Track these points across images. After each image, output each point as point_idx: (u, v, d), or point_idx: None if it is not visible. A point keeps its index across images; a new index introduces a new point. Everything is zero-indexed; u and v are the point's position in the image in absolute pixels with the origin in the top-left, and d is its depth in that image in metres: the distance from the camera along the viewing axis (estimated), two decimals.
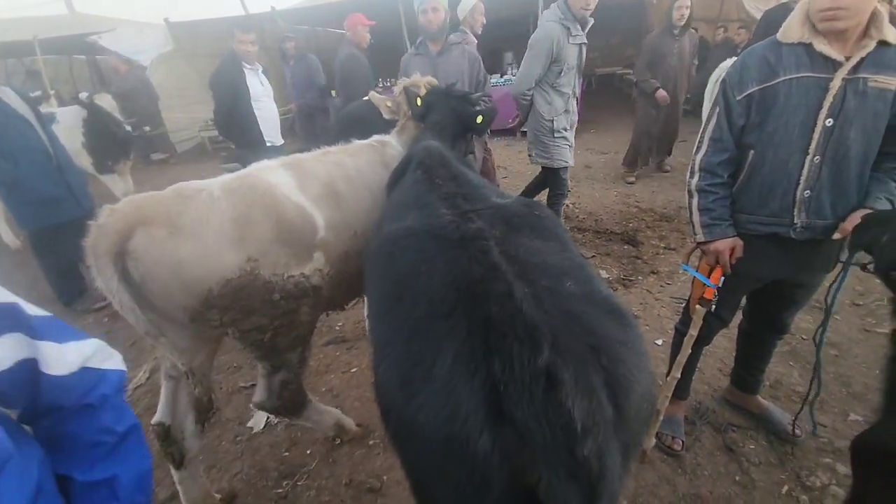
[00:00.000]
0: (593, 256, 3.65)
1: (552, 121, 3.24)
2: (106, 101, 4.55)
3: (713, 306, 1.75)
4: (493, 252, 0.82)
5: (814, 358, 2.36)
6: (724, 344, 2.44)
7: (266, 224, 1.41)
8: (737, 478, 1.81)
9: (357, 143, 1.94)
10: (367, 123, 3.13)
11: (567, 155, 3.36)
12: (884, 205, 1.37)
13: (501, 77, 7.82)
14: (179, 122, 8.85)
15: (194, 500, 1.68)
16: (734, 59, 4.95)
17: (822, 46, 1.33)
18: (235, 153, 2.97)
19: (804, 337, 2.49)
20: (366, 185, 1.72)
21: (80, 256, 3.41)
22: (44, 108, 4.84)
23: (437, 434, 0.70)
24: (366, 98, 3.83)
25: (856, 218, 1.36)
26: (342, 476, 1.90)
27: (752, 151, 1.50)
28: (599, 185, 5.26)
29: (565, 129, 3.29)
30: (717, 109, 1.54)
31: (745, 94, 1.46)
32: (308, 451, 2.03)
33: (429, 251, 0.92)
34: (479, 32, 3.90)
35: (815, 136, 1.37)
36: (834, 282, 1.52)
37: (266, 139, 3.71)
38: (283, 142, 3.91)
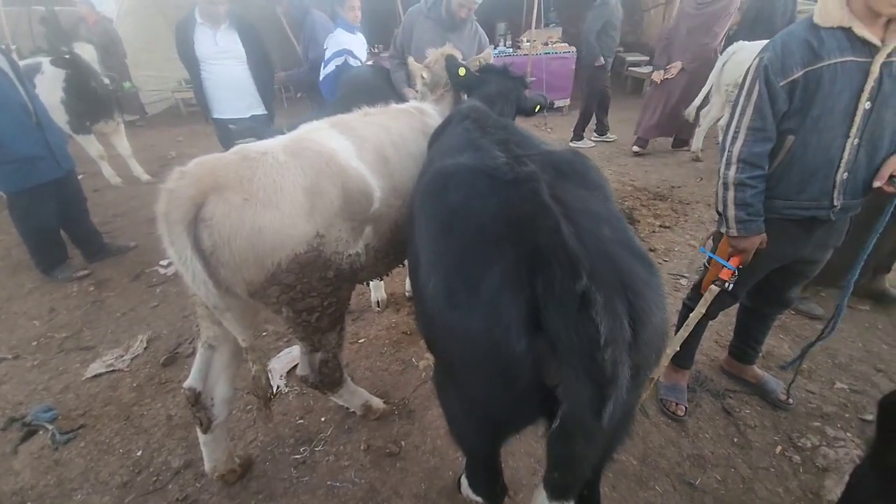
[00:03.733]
0: None
1: None
2: (87, 52, 4.08)
3: (730, 286, 1.77)
4: (543, 193, 0.89)
5: (802, 331, 2.54)
6: (720, 317, 2.55)
7: (333, 194, 1.33)
8: (735, 439, 1.94)
9: (395, 106, 1.86)
10: (371, 88, 3.02)
11: None
12: None
13: (495, 49, 7.62)
14: (149, 82, 8.27)
15: (217, 461, 1.69)
16: (740, 42, 4.88)
17: (861, 30, 1.34)
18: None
19: (793, 311, 2.64)
20: (409, 152, 1.66)
21: (60, 221, 3.22)
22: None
23: (480, 337, 0.85)
24: (370, 63, 3.69)
25: (892, 163, 1.44)
26: (360, 442, 1.92)
27: (790, 137, 1.48)
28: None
29: None
30: (756, 97, 1.48)
31: (790, 79, 1.42)
32: (323, 419, 2.04)
33: (482, 187, 0.99)
34: None
35: (857, 119, 1.40)
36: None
37: (215, 112, 3.22)
38: (256, 113, 3.31)
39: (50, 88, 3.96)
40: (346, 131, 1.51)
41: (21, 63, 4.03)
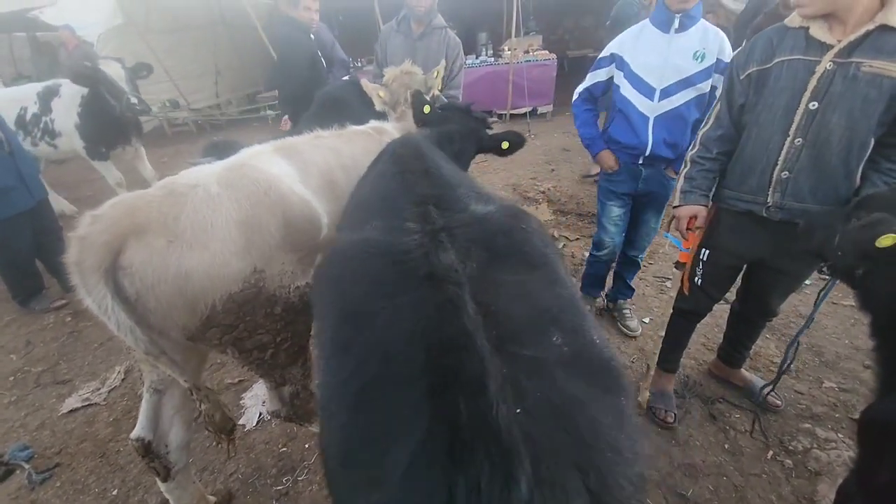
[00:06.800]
0: (577, 239, 3.70)
1: None
2: (114, 70, 3.80)
3: (699, 280, 1.82)
4: (466, 308, 0.67)
5: (788, 330, 2.53)
6: (707, 320, 2.53)
7: (272, 226, 1.24)
8: (725, 446, 1.91)
9: (352, 128, 1.82)
10: (346, 105, 3.01)
11: None
12: None
13: (477, 58, 7.68)
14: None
15: None
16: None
17: (816, 30, 1.34)
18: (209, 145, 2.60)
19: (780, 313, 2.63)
20: (360, 174, 1.58)
21: (35, 251, 3.13)
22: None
23: None
24: (346, 78, 3.68)
25: None
26: None
27: (745, 131, 1.54)
28: (578, 168, 5.31)
29: None
30: (723, 88, 1.59)
31: (746, 73, 1.49)
32: (307, 446, 1.99)
33: (388, 284, 0.77)
34: None
35: (797, 118, 1.39)
36: (822, 290, 1.62)
37: None
38: None
39: (66, 112, 3.86)
40: (290, 155, 1.45)
41: (39, 86, 4.02)
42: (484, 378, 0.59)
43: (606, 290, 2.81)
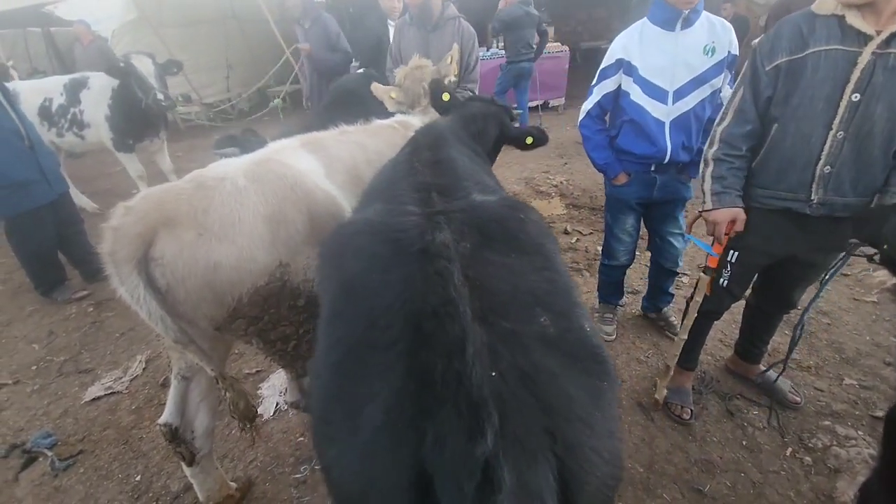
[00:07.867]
0: (590, 233, 3.68)
1: None
2: (144, 65, 3.84)
3: (725, 281, 1.78)
4: (453, 279, 0.70)
5: (808, 326, 2.50)
6: (724, 316, 2.50)
7: (298, 222, 1.27)
8: (743, 442, 1.89)
9: (378, 122, 1.82)
10: (360, 98, 3.01)
11: None
12: None
13: (488, 50, 7.61)
14: None
15: (210, 491, 1.63)
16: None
17: (853, 19, 1.30)
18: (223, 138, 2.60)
19: (799, 307, 2.58)
20: None
21: (57, 243, 3.20)
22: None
23: (353, 496, 0.66)
24: (360, 71, 3.68)
25: None
26: None
27: (775, 125, 1.48)
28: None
29: None
30: (744, 80, 1.53)
31: (774, 64, 1.44)
32: None
33: (383, 259, 0.81)
34: None
35: (840, 111, 1.35)
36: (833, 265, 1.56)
37: None
38: None
39: (95, 104, 3.92)
40: (315, 150, 1.46)
41: (65, 77, 4.09)
42: (464, 341, 0.62)
43: (643, 300, 2.68)
